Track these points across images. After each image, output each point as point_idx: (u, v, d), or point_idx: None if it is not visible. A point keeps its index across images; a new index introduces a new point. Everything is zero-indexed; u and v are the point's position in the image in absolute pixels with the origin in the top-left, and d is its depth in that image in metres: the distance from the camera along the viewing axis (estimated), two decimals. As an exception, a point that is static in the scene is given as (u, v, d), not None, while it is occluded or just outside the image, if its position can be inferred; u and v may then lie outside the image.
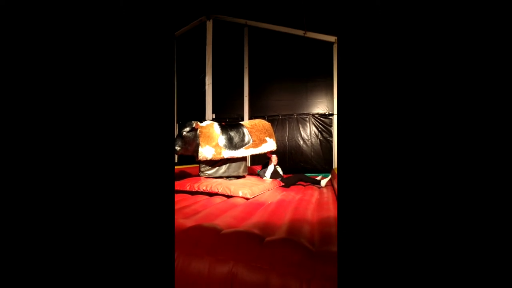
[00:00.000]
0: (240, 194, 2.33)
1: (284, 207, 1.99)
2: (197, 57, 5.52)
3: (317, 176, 3.62)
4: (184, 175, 3.26)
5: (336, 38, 4.71)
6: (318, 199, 2.37)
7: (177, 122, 5.47)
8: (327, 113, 4.96)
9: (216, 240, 1.12)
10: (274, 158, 3.57)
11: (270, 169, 3.46)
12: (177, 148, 2.68)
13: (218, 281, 0.99)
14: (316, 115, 5.02)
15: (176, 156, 3.82)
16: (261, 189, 2.64)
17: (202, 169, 2.91)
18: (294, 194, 2.64)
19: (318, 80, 4.99)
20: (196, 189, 2.50)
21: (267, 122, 3.49)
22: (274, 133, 3.50)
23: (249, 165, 4.78)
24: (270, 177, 3.41)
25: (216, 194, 2.43)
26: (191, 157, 2.89)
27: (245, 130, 3.11)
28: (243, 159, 3.13)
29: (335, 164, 4.78)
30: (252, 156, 4.90)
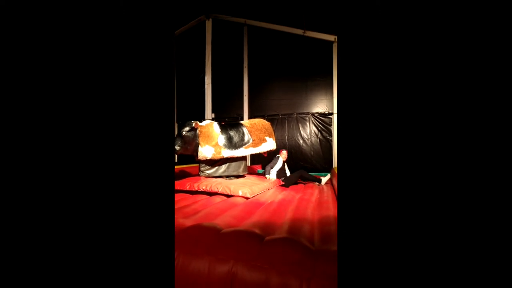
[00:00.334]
0: (240, 194, 2.33)
1: (284, 206, 1.99)
2: (196, 56, 5.51)
3: (318, 176, 3.62)
4: (184, 174, 3.26)
5: (335, 37, 4.71)
6: (318, 198, 2.37)
7: (176, 122, 5.47)
8: (326, 112, 4.96)
9: (216, 239, 1.12)
10: (284, 153, 3.48)
11: (278, 165, 3.34)
12: (177, 147, 2.67)
13: (218, 280, 0.99)
14: (315, 114, 5.02)
15: (176, 156, 3.81)
16: (261, 188, 2.64)
17: (201, 169, 2.91)
18: (294, 193, 2.64)
19: (317, 79, 4.99)
20: (196, 188, 2.50)
21: (266, 122, 3.48)
22: (274, 133, 3.49)
23: (249, 165, 4.79)
24: (276, 176, 3.31)
25: (216, 193, 2.43)
26: (191, 156, 2.89)
27: (245, 130, 3.11)
28: (243, 158, 3.13)
29: (334, 163, 4.78)
30: (252, 156, 4.90)
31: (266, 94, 5.36)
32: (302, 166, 4.83)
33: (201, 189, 2.48)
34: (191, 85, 5.69)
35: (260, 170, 4.68)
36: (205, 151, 2.75)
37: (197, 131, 2.79)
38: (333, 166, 4.61)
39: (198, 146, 2.75)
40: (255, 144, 3.10)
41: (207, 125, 2.89)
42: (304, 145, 5.05)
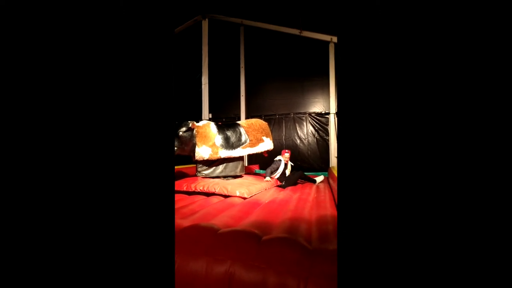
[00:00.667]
0: (237, 194, 2.33)
1: (282, 206, 2.00)
2: (193, 56, 5.50)
3: (315, 176, 3.62)
4: (181, 175, 3.25)
5: (331, 37, 4.73)
6: (315, 198, 2.38)
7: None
8: (323, 112, 4.98)
9: (213, 239, 1.12)
10: (286, 155, 3.30)
11: (280, 169, 3.20)
12: (174, 148, 2.67)
13: (216, 280, 0.99)
14: (312, 114, 5.04)
15: (173, 156, 3.78)
16: (258, 188, 2.64)
17: (199, 169, 2.90)
18: (292, 193, 2.64)
19: (314, 79, 5.00)
20: (193, 189, 2.50)
21: (263, 122, 3.49)
22: (271, 132, 3.49)
23: (246, 165, 4.78)
24: (278, 179, 3.22)
25: (213, 194, 2.42)
26: (188, 157, 2.88)
27: (242, 130, 3.10)
28: (240, 158, 3.13)
29: (331, 163, 4.80)
30: (249, 156, 4.90)
31: (263, 94, 5.37)
32: (300, 166, 4.84)
33: (198, 190, 2.47)
34: (188, 86, 5.68)
35: (258, 170, 4.68)
36: (202, 152, 2.74)
37: (194, 131, 2.78)
38: (330, 166, 4.63)
39: (195, 147, 2.74)
40: (252, 144, 3.10)
41: (204, 125, 2.88)
42: (301, 145, 5.07)
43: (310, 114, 5.05)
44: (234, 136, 3.01)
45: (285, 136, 5.16)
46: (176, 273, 1.02)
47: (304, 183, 3.44)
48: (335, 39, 4.72)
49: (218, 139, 2.87)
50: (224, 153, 2.85)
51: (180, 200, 2.21)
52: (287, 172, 3.40)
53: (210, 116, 5.39)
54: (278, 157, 3.35)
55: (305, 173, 3.62)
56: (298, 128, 5.11)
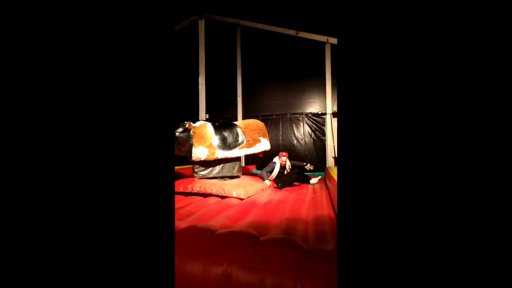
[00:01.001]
0: (234, 195, 2.33)
1: (279, 206, 2.00)
2: (190, 57, 5.48)
3: (313, 176, 3.61)
4: (178, 176, 3.23)
5: (328, 38, 4.75)
6: (312, 198, 2.39)
7: (170, 123, 5.41)
8: (320, 112, 5.00)
9: (210, 241, 1.11)
10: (283, 158, 3.20)
11: (275, 171, 3.16)
12: (173, 148, 2.65)
13: (213, 282, 0.98)
14: (309, 115, 5.06)
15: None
16: (255, 189, 2.64)
17: (195, 170, 2.89)
18: (288, 193, 2.65)
19: (311, 80, 5.02)
20: (190, 190, 2.49)
21: (260, 122, 3.49)
22: (268, 133, 3.50)
23: (243, 165, 4.78)
24: (275, 180, 3.19)
25: (210, 195, 2.42)
26: (185, 158, 2.87)
27: (239, 130, 3.10)
28: (237, 159, 3.13)
29: (328, 163, 4.82)
30: (246, 156, 4.90)
31: (260, 94, 5.37)
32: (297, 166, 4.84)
33: (195, 191, 2.46)
34: (185, 86, 5.66)
35: (255, 171, 4.67)
36: (199, 152, 2.73)
37: (191, 132, 2.78)
38: (327, 166, 4.65)
39: (192, 147, 2.73)
40: (249, 145, 3.10)
41: (200, 126, 2.88)
42: (298, 145, 5.08)
43: (306, 114, 5.07)
44: (231, 136, 3.00)
45: (282, 136, 5.17)
46: (173, 275, 1.02)
47: (300, 185, 3.41)
48: (331, 40, 4.74)
49: (215, 139, 2.86)
50: (221, 154, 2.85)
51: (177, 201, 2.20)
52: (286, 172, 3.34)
53: (207, 117, 5.37)
54: (275, 159, 3.30)
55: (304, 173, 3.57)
56: (295, 129, 5.12)
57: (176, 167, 3.54)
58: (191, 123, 2.81)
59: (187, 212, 1.79)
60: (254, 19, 5.17)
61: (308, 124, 5.07)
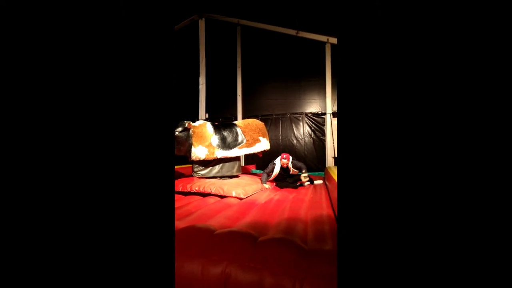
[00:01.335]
0: (234, 194, 2.32)
1: (278, 206, 2.00)
2: (189, 56, 5.47)
3: (315, 177, 3.60)
4: (177, 175, 3.23)
5: (328, 37, 4.74)
6: (311, 198, 2.39)
7: (169, 122, 5.40)
8: (319, 112, 5.00)
9: (209, 240, 1.11)
10: (284, 161, 3.09)
11: (274, 172, 3.08)
12: (173, 147, 2.64)
13: (212, 282, 0.98)
14: (309, 114, 5.05)
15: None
16: (255, 189, 2.64)
17: (195, 169, 2.89)
18: (288, 193, 2.65)
19: (310, 80, 5.02)
20: (189, 189, 2.48)
21: (260, 122, 3.48)
22: (268, 133, 3.49)
23: (243, 165, 4.78)
24: (275, 181, 3.13)
25: (209, 194, 2.41)
26: (184, 157, 2.86)
27: (238, 130, 3.10)
28: (237, 158, 3.12)
29: (328, 163, 4.82)
30: (246, 156, 4.89)
31: (260, 94, 5.36)
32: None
33: (194, 190, 2.46)
34: (185, 85, 5.65)
35: (255, 170, 4.67)
36: (198, 152, 2.73)
37: (190, 131, 2.77)
38: (327, 166, 4.65)
39: (191, 147, 2.73)
40: (249, 145, 3.09)
41: (200, 125, 2.87)
42: (298, 145, 5.08)
43: (306, 114, 5.06)
44: (231, 136, 3.00)
45: (281, 136, 5.17)
46: (172, 275, 1.02)
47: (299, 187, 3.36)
48: (331, 39, 4.73)
49: (215, 139, 2.86)
50: (221, 153, 2.84)
51: (176, 201, 2.19)
52: (288, 176, 3.26)
53: (207, 116, 5.37)
54: (276, 160, 3.22)
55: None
56: (294, 128, 5.12)
57: (175, 167, 3.54)
58: (191, 123, 2.80)
59: (186, 212, 1.79)
60: (254, 18, 5.17)
61: (308, 124, 5.06)
